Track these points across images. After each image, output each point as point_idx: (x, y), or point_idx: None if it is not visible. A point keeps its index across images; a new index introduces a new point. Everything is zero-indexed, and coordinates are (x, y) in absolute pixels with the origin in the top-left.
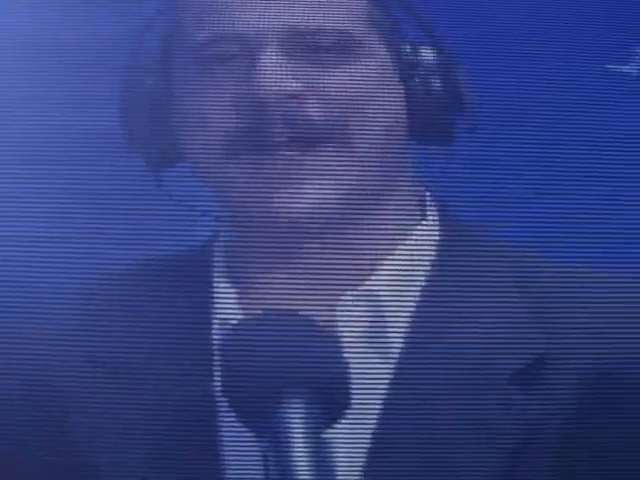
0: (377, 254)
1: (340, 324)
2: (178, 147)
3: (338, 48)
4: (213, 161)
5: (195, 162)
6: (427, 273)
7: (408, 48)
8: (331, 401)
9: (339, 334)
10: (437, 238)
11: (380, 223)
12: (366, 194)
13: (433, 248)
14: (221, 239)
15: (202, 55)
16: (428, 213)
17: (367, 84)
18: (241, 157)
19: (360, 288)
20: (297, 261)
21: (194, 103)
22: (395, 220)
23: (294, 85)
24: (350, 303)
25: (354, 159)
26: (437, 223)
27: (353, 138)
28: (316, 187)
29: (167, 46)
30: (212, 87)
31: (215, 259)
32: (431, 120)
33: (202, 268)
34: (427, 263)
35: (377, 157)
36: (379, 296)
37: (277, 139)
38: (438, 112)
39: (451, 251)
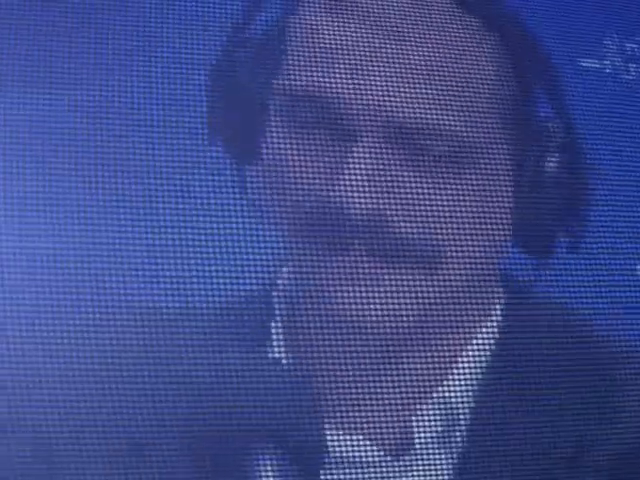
0: (447, 361)
1: (415, 432)
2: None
3: (446, 156)
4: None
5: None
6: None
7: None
8: None
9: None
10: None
11: (451, 331)
12: (444, 312)
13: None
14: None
15: (296, 103)
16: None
17: (470, 204)
18: (311, 239)
19: (434, 395)
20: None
21: (279, 146)
22: (465, 323)
23: (380, 204)
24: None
25: (440, 281)
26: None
27: (442, 262)
28: (389, 304)
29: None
30: (299, 149)
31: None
32: (537, 237)
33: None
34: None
35: (466, 280)
36: (452, 403)
37: (352, 245)
38: (548, 229)
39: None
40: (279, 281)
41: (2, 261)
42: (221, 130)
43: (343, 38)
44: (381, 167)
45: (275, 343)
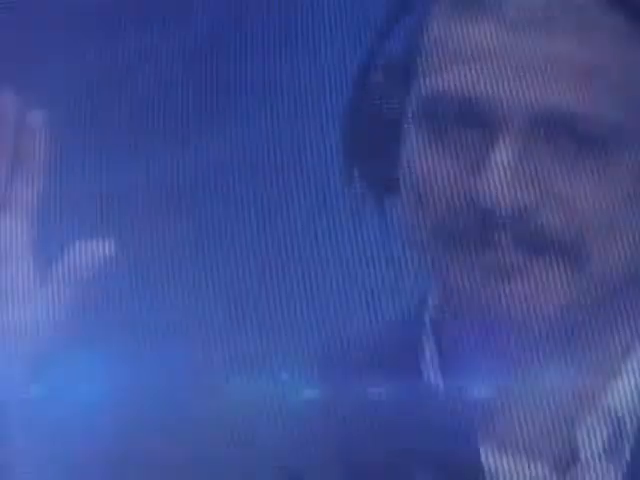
0: (610, 368)
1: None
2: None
3: (593, 142)
4: (427, 235)
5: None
6: None
7: None
8: None
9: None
10: None
11: (611, 336)
12: (590, 313)
13: None
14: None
15: (434, 107)
16: None
17: (620, 192)
18: (457, 244)
19: (599, 406)
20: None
21: (418, 158)
22: (625, 326)
23: (527, 196)
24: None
25: (587, 277)
26: None
27: (589, 256)
28: (535, 297)
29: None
30: (437, 153)
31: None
32: None
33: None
34: None
35: (621, 275)
36: (618, 413)
37: (499, 241)
38: None
39: None
40: (430, 300)
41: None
42: (361, 160)
43: (476, 31)
44: (526, 158)
45: (429, 363)
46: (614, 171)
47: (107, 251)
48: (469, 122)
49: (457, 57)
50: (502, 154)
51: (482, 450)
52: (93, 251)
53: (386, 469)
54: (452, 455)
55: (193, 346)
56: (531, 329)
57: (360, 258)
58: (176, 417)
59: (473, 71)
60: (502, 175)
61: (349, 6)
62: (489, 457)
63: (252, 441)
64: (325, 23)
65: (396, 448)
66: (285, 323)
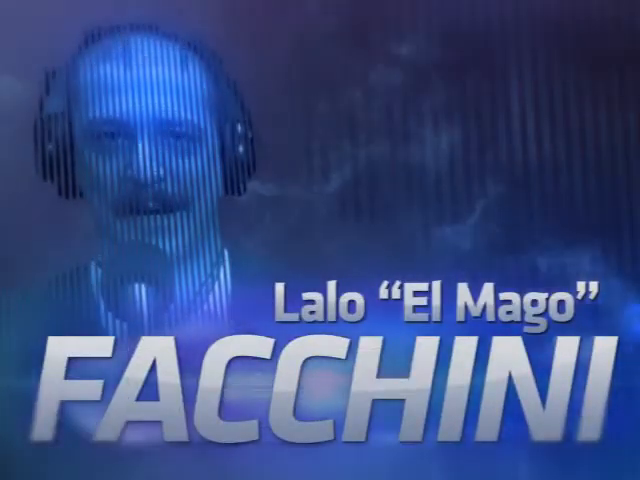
0: None
1: None
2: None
3: (186, 136)
4: (104, 218)
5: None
6: None
7: (230, 132)
8: None
9: None
10: None
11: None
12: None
13: None
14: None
15: (92, 131)
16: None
17: (203, 166)
18: (121, 217)
19: None
20: None
21: (91, 169)
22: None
23: (160, 171)
24: None
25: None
26: None
27: (194, 206)
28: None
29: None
30: (102, 159)
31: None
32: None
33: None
34: None
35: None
36: None
37: (147, 206)
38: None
39: None
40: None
41: None
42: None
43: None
44: (157, 152)
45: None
46: (200, 149)
47: None
48: (116, 133)
49: (100, 92)
50: (144, 150)
51: None
52: None
53: None
54: None
55: None
56: None
57: None
58: None
59: (111, 99)
60: (146, 162)
61: None
62: None
63: None
64: None
65: None
66: None
